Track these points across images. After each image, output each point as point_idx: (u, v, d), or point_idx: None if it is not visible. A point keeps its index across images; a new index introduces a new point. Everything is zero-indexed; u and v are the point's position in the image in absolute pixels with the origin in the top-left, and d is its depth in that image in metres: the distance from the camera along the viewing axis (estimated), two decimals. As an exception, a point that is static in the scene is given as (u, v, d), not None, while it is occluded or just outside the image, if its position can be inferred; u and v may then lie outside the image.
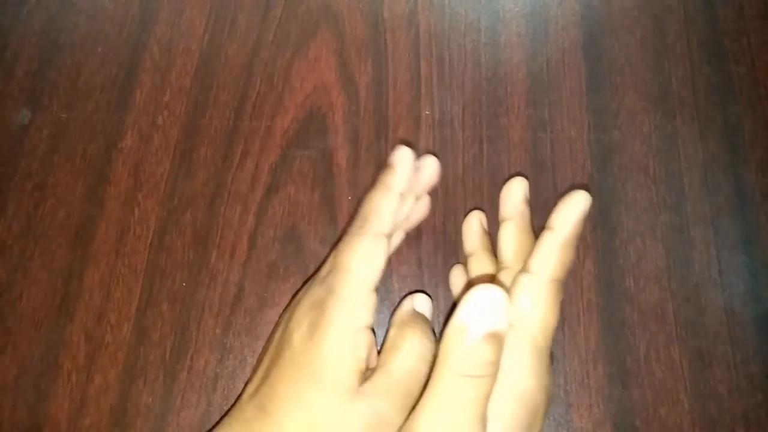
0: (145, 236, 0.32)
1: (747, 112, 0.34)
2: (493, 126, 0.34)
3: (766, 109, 0.34)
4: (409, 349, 0.25)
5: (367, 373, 0.24)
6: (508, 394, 0.22)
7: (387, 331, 0.27)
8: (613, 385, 0.29)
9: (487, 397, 0.20)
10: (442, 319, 0.31)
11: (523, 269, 0.25)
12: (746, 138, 0.33)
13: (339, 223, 0.32)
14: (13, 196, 0.33)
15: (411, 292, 0.30)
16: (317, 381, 0.23)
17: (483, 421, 0.20)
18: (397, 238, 0.30)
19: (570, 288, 0.31)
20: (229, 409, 0.27)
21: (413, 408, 0.21)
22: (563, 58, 0.35)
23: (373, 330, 0.25)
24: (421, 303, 0.29)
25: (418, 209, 0.30)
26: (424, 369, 0.25)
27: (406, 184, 0.27)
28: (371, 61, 0.35)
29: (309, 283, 0.28)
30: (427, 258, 0.31)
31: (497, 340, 0.20)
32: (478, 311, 0.19)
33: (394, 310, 0.29)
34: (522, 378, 0.23)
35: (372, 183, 0.32)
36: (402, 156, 0.27)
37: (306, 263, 0.31)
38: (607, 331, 0.30)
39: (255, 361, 0.29)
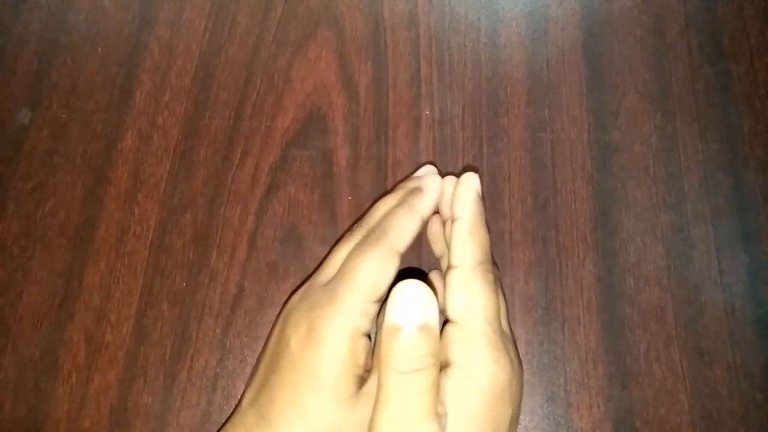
0: (145, 236, 0.32)
1: (747, 112, 0.34)
2: (493, 126, 0.34)
3: (766, 109, 0.34)
4: None
5: (364, 377, 0.24)
6: (466, 387, 0.23)
7: (376, 335, 0.27)
8: (613, 385, 0.29)
9: (432, 388, 0.21)
10: (440, 318, 0.31)
11: (448, 266, 0.25)
12: (746, 138, 0.33)
13: (339, 223, 0.32)
14: (13, 196, 0.33)
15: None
16: (316, 387, 0.23)
17: (434, 411, 0.21)
18: None
19: (570, 288, 0.31)
20: (231, 415, 0.27)
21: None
22: (563, 58, 0.35)
23: (368, 336, 0.25)
24: None
25: None
26: None
27: (432, 210, 0.27)
28: (371, 61, 0.35)
29: (305, 285, 0.28)
30: (427, 258, 0.31)
31: (429, 331, 0.21)
32: (405, 307, 0.20)
33: (380, 310, 0.29)
34: (481, 370, 0.23)
35: (372, 183, 0.33)
36: (432, 181, 0.27)
37: (306, 263, 0.31)
38: (607, 331, 0.30)
39: (255, 362, 0.29)
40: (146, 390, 0.29)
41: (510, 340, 0.26)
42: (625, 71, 0.35)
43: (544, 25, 0.36)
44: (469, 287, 0.24)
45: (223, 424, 0.26)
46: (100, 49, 0.36)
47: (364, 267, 0.25)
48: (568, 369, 0.29)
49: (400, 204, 0.27)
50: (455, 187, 0.26)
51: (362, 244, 0.26)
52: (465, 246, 0.25)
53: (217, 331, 0.30)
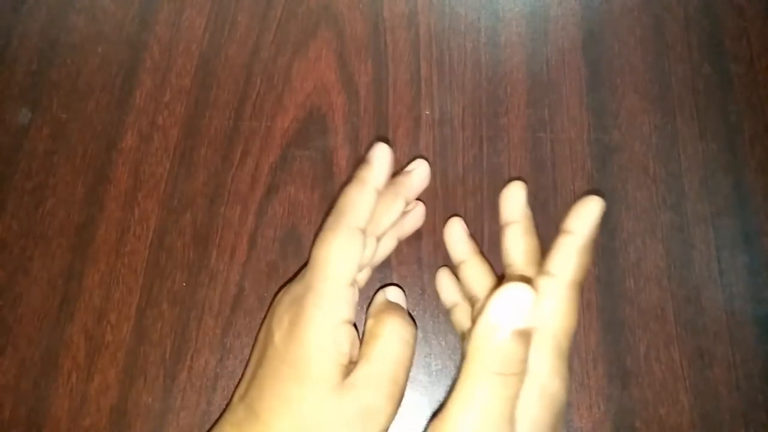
0: (145, 236, 0.32)
1: (747, 112, 0.34)
2: (493, 126, 0.34)
3: (766, 109, 0.34)
4: (389, 335, 0.25)
5: (350, 367, 0.24)
6: (535, 395, 0.22)
7: (364, 325, 0.27)
8: (613, 385, 0.29)
9: (516, 396, 0.20)
10: (442, 319, 0.31)
11: (543, 272, 0.25)
12: (746, 138, 0.33)
13: (339, 223, 0.32)
14: (13, 196, 0.33)
15: (382, 286, 0.29)
16: (301, 378, 0.23)
17: (512, 420, 0.21)
18: (389, 245, 0.30)
19: (570, 288, 0.31)
20: (223, 411, 0.27)
21: (444, 402, 0.21)
22: (563, 58, 0.35)
23: (355, 326, 0.25)
24: (393, 294, 0.29)
25: (412, 217, 0.30)
26: (407, 353, 0.25)
27: (383, 180, 0.27)
28: (371, 61, 0.35)
29: (291, 282, 0.28)
30: (427, 258, 0.31)
31: (526, 338, 0.20)
32: (509, 309, 0.20)
33: (368, 305, 0.29)
34: (548, 379, 0.23)
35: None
36: (379, 152, 0.27)
37: (306, 263, 0.31)
38: (607, 331, 0.30)
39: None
40: (146, 390, 0.29)
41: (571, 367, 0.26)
42: (625, 71, 0.35)
43: (544, 25, 0.36)
44: (559, 298, 0.24)
45: (216, 420, 0.26)
46: (100, 49, 0.36)
47: (328, 253, 0.25)
48: (568, 369, 0.29)
49: (350, 181, 0.27)
50: (578, 204, 0.25)
51: (322, 231, 0.26)
52: (570, 260, 0.24)
53: (217, 331, 0.30)
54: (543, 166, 0.33)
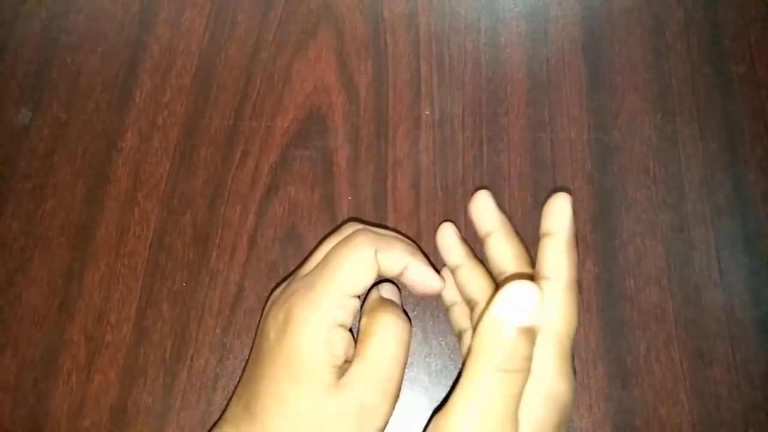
0: (145, 236, 0.32)
1: (747, 112, 0.34)
2: (493, 126, 0.34)
3: (766, 109, 0.34)
4: (383, 332, 0.25)
5: (345, 366, 0.24)
6: (539, 396, 0.22)
7: (359, 324, 0.27)
8: (613, 385, 0.29)
9: (520, 393, 0.21)
10: (442, 319, 0.31)
11: (538, 277, 0.25)
12: (746, 138, 0.33)
13: (339, 223, 0.32)
14: (13, 196, 0.33)
15: (376, 283, 0.29)
16: (294, 378, 0.23)
17: (515, 418, 0.21)
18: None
19: (570, 288, 0.31)
20: (224, 410, 0.27)
21: (445, 398, 0.21)
22: (563, 58, 0.35)
23: (351, 331, 0.25)
24: (387, 290, 0.28)
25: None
26: (401, 350, 0.25)
27: (424, 260, 0.27)
28: (371, 61, 0.35)
29: (290, 279, 0.28)
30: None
31: (531, 335, 0.20)
32: (514, 306, 0.20)
33: (363, 303, 0.29)
34: (552, 380, 0.23)
35: (372, 183, 0.33)
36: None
37: (303, 261, 0.31)
38: (607, 331, 0.30)
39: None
40: (146, 390, 0.29)
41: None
42: (625, 71, 0.35)
43: (544, 25, 0.36)
44: (558, 300, 0.24)
45: (217, 420, 0.26)
46: (100, 49, 0.36)
47: (346, 263, 0.25)
48: (568, 369, 0.29)
49: (407, 247, 0.27)
50: (549, 204, 0.25)
51: (349, 240, 0.26)
52: (561, 261, 0.24)
53: (217, 331, 0.30)
54: (543, 166, 0.33)
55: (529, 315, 0.20)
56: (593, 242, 0.31)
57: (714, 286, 0.31)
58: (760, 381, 0.29)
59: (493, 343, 0.20)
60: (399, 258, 0.26)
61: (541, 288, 0.24)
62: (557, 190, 0.26)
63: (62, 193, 0.33)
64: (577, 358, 0.30)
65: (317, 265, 0.26)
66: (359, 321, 0.27)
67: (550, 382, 0.23)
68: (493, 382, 0.20)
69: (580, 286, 0.31)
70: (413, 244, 0.29)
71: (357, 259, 0.25)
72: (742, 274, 0.31)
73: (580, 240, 0.31)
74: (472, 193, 0.33)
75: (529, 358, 0.21)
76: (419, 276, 0.26)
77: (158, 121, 0.34)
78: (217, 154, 0.34)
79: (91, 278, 0.31)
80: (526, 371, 0.21)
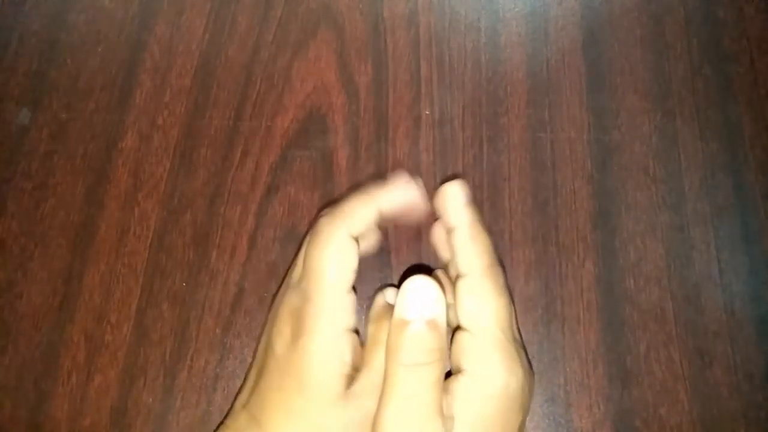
0: (145, 236, 0.32)
1: (747, 112, 0.34)
2: (493, 126, 0.34)
3: (766, 109, 0.34)
4: None
5: (353, 375, 0.24)
6: (476, 393, 0.23)
7: (365, 329, 0.27)
8: (613, 385, 0.29)
9: (438, 383, 0.21)
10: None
11: (457, 276, 0.25)
12: (746, 138, 0.33)
13: (339, 223, 0.32)
14: (13, 196, 0.33)
15: (382, 287, 0.29)
16: (304, 390, 0.23)
17: (438, 408, 0.21)
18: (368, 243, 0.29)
19: (570, 288, 0.31)
20: (225, 417, 0.27)
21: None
22: (563, 58, 0.35)
23: (357, 331, 0.25)
24: (392, 295, 0.28)
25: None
26: None
27: (391, 207, 0.26)
28: (371, 61, 0.35)
29: (283, 285, 0.27)
30: (428, 258, 0.31)
31: (437, 326, 0.21)
32: (414, 302, 0.21)
33: (368, 309, 0.28)
34: (493, 377, 0.23)
35: (372, 183, 0.33)
36: (403, 183, 0.26)
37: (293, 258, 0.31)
38: (607, 331, 0.30)
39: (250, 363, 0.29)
40: (146, 390, 0.29)
41: (521, 345, 0.25)
42: (625, 71, 0.35)
43: (544, 25, 0.36)
44: (479, 294, 0.24)
45: (218, 426, 0.26)
46: (100, 49, 0.36)
47: (324, 261, 0.24)
48: (568, 369, 0.29)
49: (360, 190, 0.26)
50: (439, 196, 0.25)
51: (317, 233, 0.25)
52: (469, 252, 0.24)
53: (217, 331, 0.30)
54: (543, 166, 0.33)
55: (430, 308, 0.21)
56: (593, 242, 0.31)
57: (714, 286, 0.31)
58: (760, 381, 0.29)
59: (398, 341, 0.21)
60: (367, 212, 0.25)
61: (459, 288, 0.24)
62: (450, 178, 0.25)
63: (62, 193, 0.33)
64: (577, 358, 0.30)
65: (302, 272, 0.25)
66: (366, 328, 0.27)
67: (492, 381, 0.23)
68: (411, 377, 0.21)
69: (579, 286, 0.31)
70: (367, 186, 0.27)
71: (333, 251, 0.24)
72: (742, 274, 0.31)
73: (580, 240, 0.31)
74: (473, 193, 0.33)
75: (440, 349, 0.21)
76: (392, 203, 0.26)
77: (158, 121, 0.34)
78: (217, 154, 0.34)
79: (91, 278, 0.31)
80: (439, 361, 0.21)
